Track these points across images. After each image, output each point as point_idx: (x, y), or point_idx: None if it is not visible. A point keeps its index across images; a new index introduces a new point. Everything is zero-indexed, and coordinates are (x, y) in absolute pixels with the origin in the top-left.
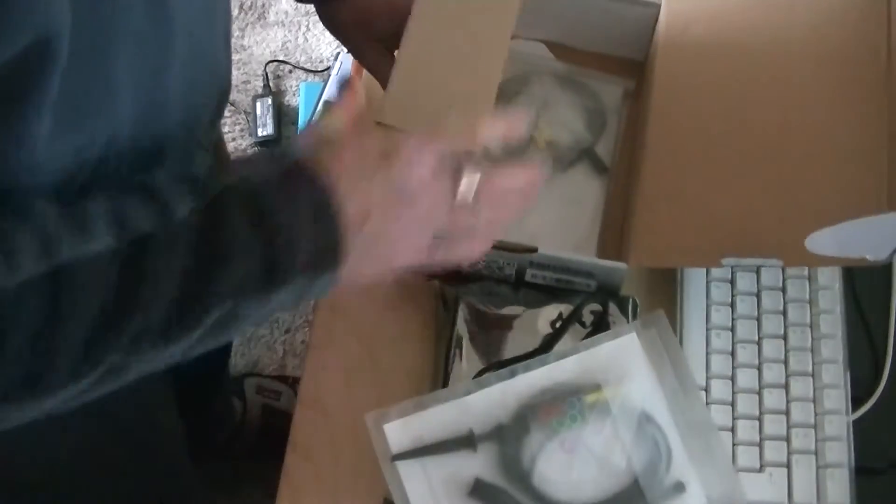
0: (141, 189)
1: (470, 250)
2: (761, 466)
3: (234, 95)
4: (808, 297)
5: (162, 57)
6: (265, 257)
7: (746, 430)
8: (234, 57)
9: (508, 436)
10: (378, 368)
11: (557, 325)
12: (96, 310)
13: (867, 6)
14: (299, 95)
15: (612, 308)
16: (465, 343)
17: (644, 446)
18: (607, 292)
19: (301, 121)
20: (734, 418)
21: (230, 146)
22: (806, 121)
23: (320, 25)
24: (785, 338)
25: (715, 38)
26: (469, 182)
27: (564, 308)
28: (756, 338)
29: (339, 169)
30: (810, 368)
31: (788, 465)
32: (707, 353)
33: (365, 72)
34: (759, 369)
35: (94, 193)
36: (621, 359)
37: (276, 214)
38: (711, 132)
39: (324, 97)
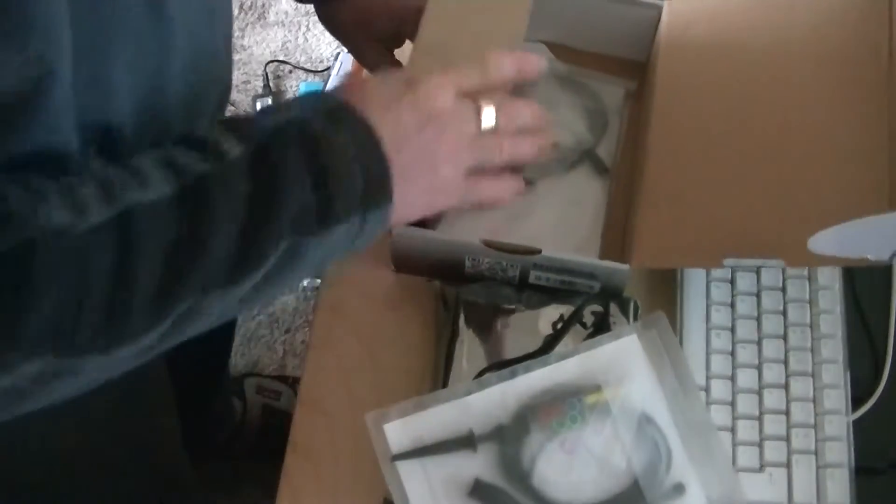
0: (188, 138)
1: (501, 187)
2: (761, 466)
3: (234, 95)
4: (808, 297)
5: (162, 57)
6: (319, 193)
7: (746, 430)
8: (234, 57)
9: (508, 436)
10: (378, 368)
11: (558, 326)
12: (164, 253)
13: (868, 6)
14: (299, 95)
15: (613, 309)
16: (466, 343)
17: (644, 447)
18: (608, 293)
19: None
20: (734, 418)
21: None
22: (807, 121)
23: (320, 25)
24: (785, 338)
25: (716, 39)
26: (489, 111)
27: (565, 309)
28: (756, 338)
29: (367, 102)
30: (810, 368)
31: (788, 465)
32: (707, 353)
33: (365, 72)
34: (759, 369)
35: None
36: (622, 360)
37: (325, 153)
38: (713, 133)
39: None
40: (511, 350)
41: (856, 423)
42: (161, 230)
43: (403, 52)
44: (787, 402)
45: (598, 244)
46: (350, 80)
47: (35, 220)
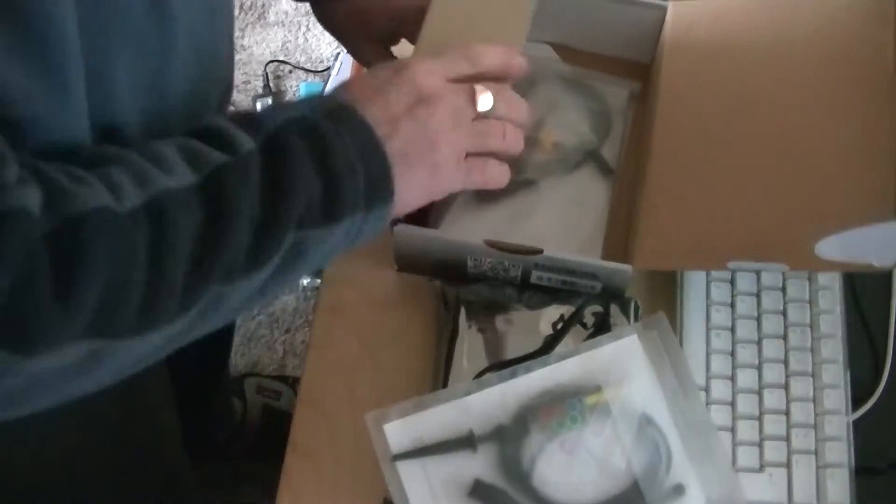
0: (202, 130)
1: (502, 171)
2: (761, 466)
3: (234, 95)
4: (808, 297)
5: (163, 56)
6: (324, 191)
7: (746, 430)
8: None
9: (508, 436)
10: (378, 368)
11: (558, 326)
12: (191, 240)
13: (872, 7)
14: (299, 95)
15: (614, 309)
16: (466, 343)
17: (644, 448)
18: (609, 294)
19: None
20: (734, 418)
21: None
22: (811, 123)
23: (321, 25)
24: (785, 338)
25: (721, 41)
26: (485, 94)
27: (566, 309)
28: (756, 338)
29: (357, 92)
30: (810, 368)
31: (788, 465)
32: (707, 354)
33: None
34: (759, 369)
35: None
36: (622, 360)
37: (329, 153)
38: (716, 134)
39: None
40: (511, 350)
41: (856, 423)
42: (188, 217)
43: (404, 52)
44: (787, 402)
45: (600, 245)
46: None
47: (85, 199)
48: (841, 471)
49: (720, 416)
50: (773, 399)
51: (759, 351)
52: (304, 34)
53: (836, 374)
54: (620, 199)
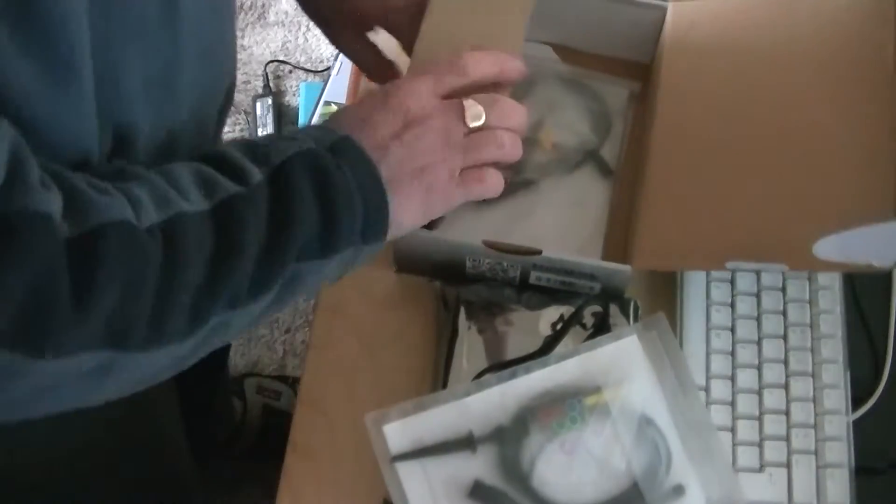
0: (212, 157)
1: (498, 179)
2: (761, 466)
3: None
4: (808, 297)
5: (172, 56)
6: (325, 224)
7: (746, 430)
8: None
9: (508, 437)
10: (378, 368)
11: (558, 326)
12: (202, 265)
13: (872, 7)
14: (299, 95)
15: (613, 310)
16: (466, 343)
17: (644, 449)
18: (609, 294)
19: (301, 121)
20: (734, 418)
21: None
22: (811, 123)
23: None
24: (785, 338)
25: (720, 41)
26: (474, 108)
27: (566, 310)
28: (756, 338)
29: (348, 121)
30: (810, 368)
31: (788, 465)
32: (707, 354)
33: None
34: (759, 369)
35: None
36: (622, 361)
37: (332, 186)
38: (716, 135)
39: (324, 97)
40: (511, 350)
41: (856, 423)
42: (201, 242)
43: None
44: (787, 402)
45: (600, 245)
46: (340, 109)
47: (107, 210)
48: (841, 471)
49: (720, 416)
50: (773, 399)
51: (759, 351)
52: (304, 34)
53: (836, 374)
54: (620, 199)
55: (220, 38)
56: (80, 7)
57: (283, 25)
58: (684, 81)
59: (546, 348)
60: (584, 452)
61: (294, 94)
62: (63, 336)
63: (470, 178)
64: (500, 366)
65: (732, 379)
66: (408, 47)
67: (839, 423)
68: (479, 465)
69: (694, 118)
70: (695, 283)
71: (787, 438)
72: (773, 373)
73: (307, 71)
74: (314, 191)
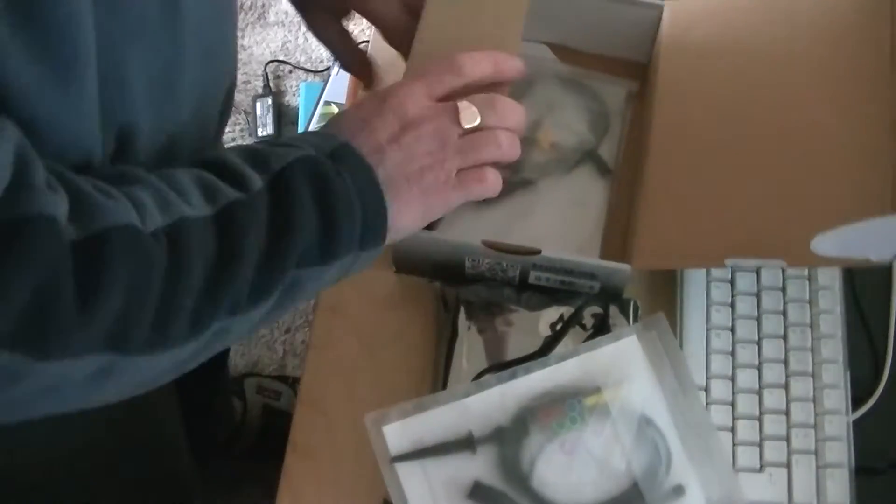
0: (213, 163)
1: (496, 178)
2: (761, 466)
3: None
4: (808, 297)
5: (174, 55)
6: (325, 231)
7: (746, 430)
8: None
9: (508, 438)
10: (378, 368)
11: (557, 327)
12: (204, 270)
13: (870, 5)
14: (299, 95)
15: (613, 310)
16: (466, 344)
17: (644, 449)
18: (609, 294)
19: (301, 121)
20: (734, 418)
21: (230, 146)
22: (809, 121)
23: None
24: (785, 338)
25: (718, 39)
26: (469, 109)
27: (566, 310)
28: (756, 338)
29: (345, 126)
30: (810, 368)
31: (788, 465)
32: (707, 354)
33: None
34: (759, 369)
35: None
36: (621, 361)
37: (332, 193)
38: (714, 133)
39: (324, 97)
40: (511, 351)
41: (856, 423)
42: (204, 247)
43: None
44: (787, 402)
45: (598, 245)
46: (338, 114)
47: (112, 214)
48: (841, 471)
49: (720, 416)
50: (773, 399)
51: (759, 351)
52: (304, 34)
53: (836, 374)
54: (619, 198)
55: (222, 38)
56: (85, 7)
57: (283, 25)
58: (682, 80)
59: (546, 349)
60: (583, 453)
61: (294, 94)
62: (67, 338)
63: (468, 179)
64: (499, 366)
65: (732, 379)
66: (388, 38)
67: (839, 423)
68: (478, 466)
69: (692, 117)
70: (695, 283)
71: (787, 438)
72: (773, 373)
73: (307, 71)
74: (314, 197)
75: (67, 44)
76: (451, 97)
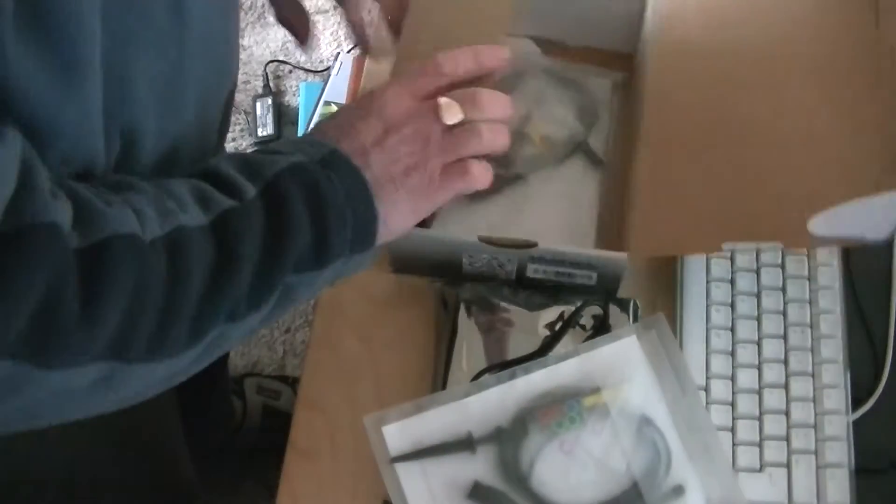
0: (206, 172)
1: (482, 170)
2: (761, 466)
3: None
4: (808, 297)
5: (179, 56)
6: (317, 238)
7: (746, 430)
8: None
9: (507, 438)
10: (378, 368)
11: (556, 327)
12: (203, 278)
13: None
14: (299, 95)
15: (613, 310)
16: (466, 344)
17: (643, 449)
18: (607, 289)
19: (301, 121)
20: (734, 418)
21: (230, 146)
22: (799, 103)
23: (320, 25)
24: (785, 338)
25: (703, 26)
26: (449, 106)
27: (566, 310)
28: (756, 338)
29: (332, 130)
30: (810, 368)
31: (788, 465)
32: (707, 354)
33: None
34: (759, 369)
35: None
36: (621, 361)
37: (323, 200)
38: (705, 119)
39: (324, 97)
40: (511, 351)
41: (856, 423)
42: (202, 256)
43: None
44: (787, 402)
45: (593, 235)
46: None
47: (115, 222)
48: (841, 471)
49: (720, 416)
50: (773, 399)
51: (759, 351)
52: None
53: (836, 374)
54: (611, 188)
55: (225, 41)
56: (92, 11)
57: None
58: (670, 67)
59: (545, 349)
60: (583, 453)
61: (294, 94)
62: (69, 347)
63: (452, 174)
64: (499, 366)
65: (732, 379)
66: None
67: (839, 423)
68: (478, 466)
69: (682, 103)
70: (695, 284)
71: (787, 438)
72: (773, 373)
73: (307, 71)
74: (306, 204)
75: (73, 47)
76: (436, 96)
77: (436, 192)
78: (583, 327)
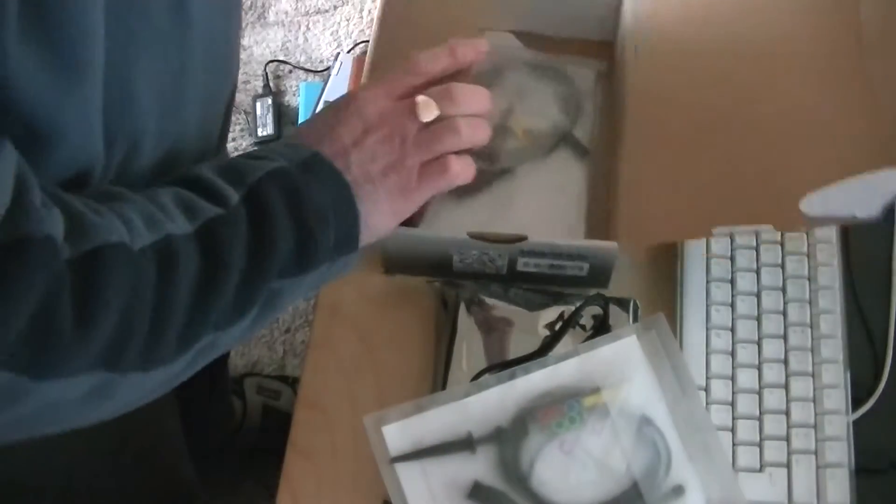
0: (190, 180)
1: (464, 165)
2: (761, 466)
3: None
4: (808, 297)
5: (182, 60)
6: (300, 243)
7: (746, 430)
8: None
9: (507, 438)
10: (378, 368)
11: (556, 326)
12: (190, 286)
13: None
14: (299, 95)
15: (613, 310)
16: (466, 344)
17: (643, 449)
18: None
19: (301, 121)
20: (734, 418)
21: (230, 146)
22: (783, 86)
23: (320, 25)
24: (785, 338)
25: (683, 10)
26: (424, 103)
27: (566, 310)
28: (756, 338)
29: (311, 134)
30: (810, 368)
31: (788, 465)
32: (707, 354)
33: (364, 73)
34: (759, 369)
35: (152, 187)
36: (621, 361)
37: (305, 205)
38: (690, 104)
39: (324, 97)
40: (511, 351)
41: (856, 423)
42: (189, 264)
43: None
44: (787, 402)
45: (583, 225)
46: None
47: (105, 233)
48: (841, 471)
49: (720, 416)
50: (773, 399)
51: (759, 351)
52: (304, 34)
53: (836, 374)
54: (598, 178)
55: (227, 44)
56: (97, 14)
57: (283, 25)
58: (652, 54)
59: (545, 349)
60: (583, 453)
61: (294, 94)
62: (65, 357)
63: (431, 172)
64: (499, 366)
65: (732, 379)
66: None
67: (839, 423)
68: (478, 466)
69: (665, 89)
70: (695, 284)
71: (787, 438)
72: (773, 373)
73: (307, 71)
74: (288, 208)
75: (75, 48)
76: (414, 95)
77: (415, 191)
78: (583, 327)
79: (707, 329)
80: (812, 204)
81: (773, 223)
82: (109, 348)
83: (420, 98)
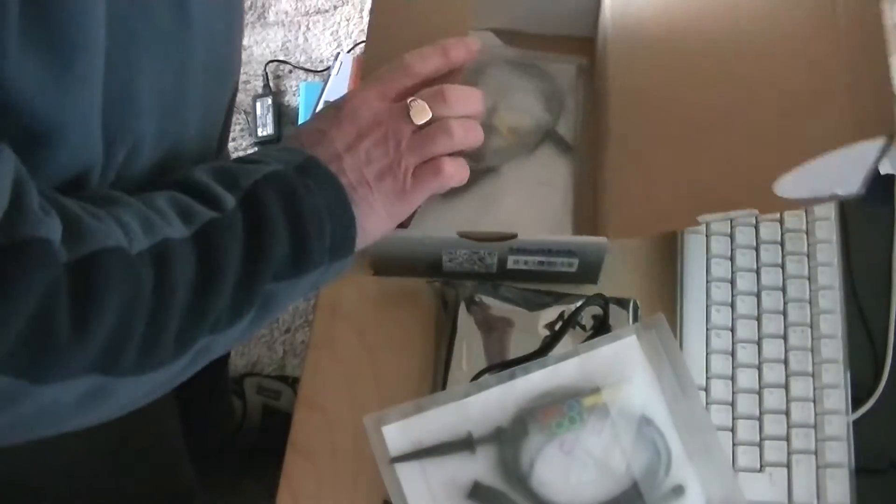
0: (186, 184)
1: (458, 167)
2: (761, 466)
3: None
4: (808, 297)
5: (182, 60)
6: (296, 246)
7: (746, 430)
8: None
9: (507, 438)
10: (378, 368)
11: (556, 327)
12: (187, 290)
13: None
14: (299, 95)
15: (613, 310)
16: (466, 344)
17: (643, 449)
18: (591, 274)
19: (301, 121)
20: (734, 418)
21: (230, 146)
22: (760, 71)
23: (320, 25)
24: (785, 338)
25: (661, 3)
26: (417, 105)
27: (566, 310)
28: (756, 338)
29: (307, 140)
30: (810, 368)
31: (788, 465)
32: (707, 354)
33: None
34: (759, 369)
35: (149, 190)
36: (621, 361)
37: (301, 209)
38: (670, 95)
39: (324, 97)
40: (511, 351)
41: (856, 423)
42: (186, 268)
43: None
44: (787, 402)
45: (570, 221)
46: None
47: (102, 237)
48: (841, 471)
49: (720, 416)
50: (773, 399)
51: (759, 351)
52: (304, 34)
53: (836, 374)
54: (583, 174)
55: (228, 44)
56: (98, 15)
57: (283, 25)
58: (632, 47)
59: (545, 349)
60: (583, 453)
61: (294, 94)
62: (63, 360)
63: (425, 174)
64: (499, 366)
65: (732, 379)
66: None
67: (839, 423)
68: (478, 466)
69: (646, 81)
70: (695, 284)
71: (787, 438)
72: (773, 373)
73: (307, 71)
74: (284, 212)
75: (75, 48)
76: (407, 97)
77: (410, 194)
78: (583, 327)
79: (707, 329)
80: (789, 185)
81: (758, 206)
82: (107, 351)
83: (414, 100)
